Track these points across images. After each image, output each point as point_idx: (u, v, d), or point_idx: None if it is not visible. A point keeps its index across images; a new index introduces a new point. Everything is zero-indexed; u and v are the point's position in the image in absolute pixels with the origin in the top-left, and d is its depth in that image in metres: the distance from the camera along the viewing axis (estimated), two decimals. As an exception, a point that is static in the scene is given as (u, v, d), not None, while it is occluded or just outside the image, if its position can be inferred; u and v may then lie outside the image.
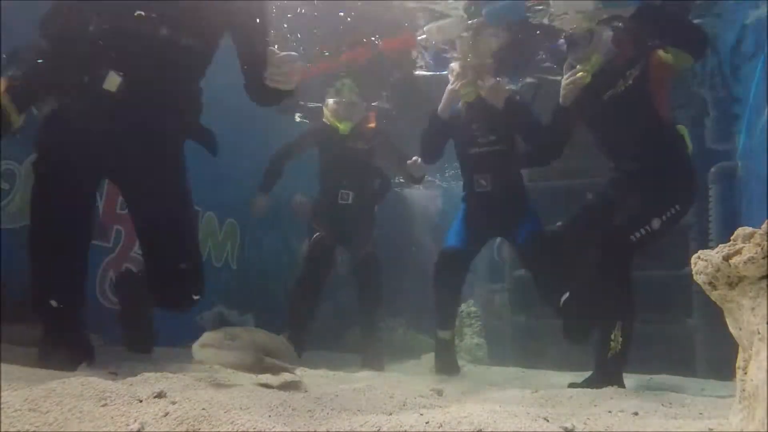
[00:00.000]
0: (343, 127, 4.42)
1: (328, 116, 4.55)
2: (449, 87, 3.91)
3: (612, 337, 3.05)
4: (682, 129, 3.33)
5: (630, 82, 3.24)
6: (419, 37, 4.01)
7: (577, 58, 3.38)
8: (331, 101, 4.54)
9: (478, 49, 3.87)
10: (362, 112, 4.55)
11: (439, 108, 3.99)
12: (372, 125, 4.61)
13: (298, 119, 5.09)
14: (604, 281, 3.12)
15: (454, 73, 3.89)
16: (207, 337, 2.04)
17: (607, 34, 3.33)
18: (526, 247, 3.89)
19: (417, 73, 4.64)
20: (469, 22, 3.69)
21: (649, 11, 3.20)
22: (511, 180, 4.06)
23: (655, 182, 3.17)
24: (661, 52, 3.24)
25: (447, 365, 4.01)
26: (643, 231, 3.07)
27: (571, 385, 3.09)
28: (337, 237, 4.55)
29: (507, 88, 3.98)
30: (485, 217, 4.03)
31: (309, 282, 4.40)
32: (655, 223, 3.09)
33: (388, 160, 4.72)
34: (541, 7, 3.37)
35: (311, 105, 4.97)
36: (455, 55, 4.06)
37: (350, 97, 4.44)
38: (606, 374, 3.06)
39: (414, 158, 4.17)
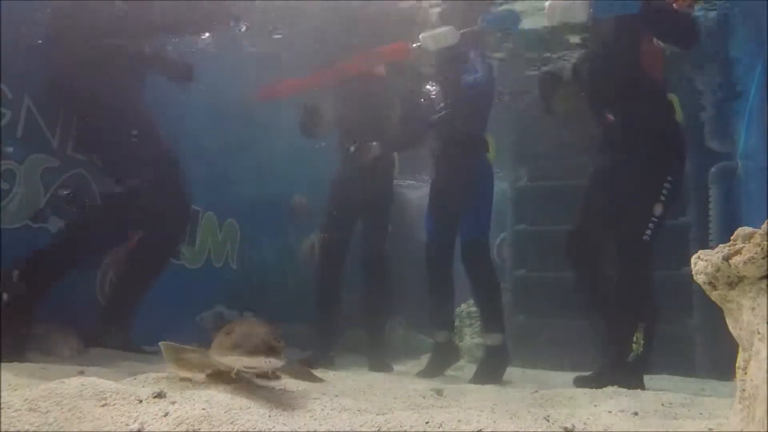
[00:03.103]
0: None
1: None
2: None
3: (634, 339, 3.04)
4: (673, 97, 3.31)
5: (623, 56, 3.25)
6: (414, 45, 3.97)
7: (552, 100, 3.51)
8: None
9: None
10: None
11: None
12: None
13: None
14: (626, 285, 3.13)
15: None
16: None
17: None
18: (467, 250, 3.84)
19: None
20: (463, 31, 3.65)
21: (653, 9, 3.16)
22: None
23: (645, 158, 3.17)
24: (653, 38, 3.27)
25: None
26: (651, 225, 3.09)
27: (577, 380, 3.07)
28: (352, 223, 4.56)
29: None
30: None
31: (327, 284, 4.40)
32: (658, 209, 3.10)
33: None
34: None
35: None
36: None
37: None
38: (624, 375, 2.95)
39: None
